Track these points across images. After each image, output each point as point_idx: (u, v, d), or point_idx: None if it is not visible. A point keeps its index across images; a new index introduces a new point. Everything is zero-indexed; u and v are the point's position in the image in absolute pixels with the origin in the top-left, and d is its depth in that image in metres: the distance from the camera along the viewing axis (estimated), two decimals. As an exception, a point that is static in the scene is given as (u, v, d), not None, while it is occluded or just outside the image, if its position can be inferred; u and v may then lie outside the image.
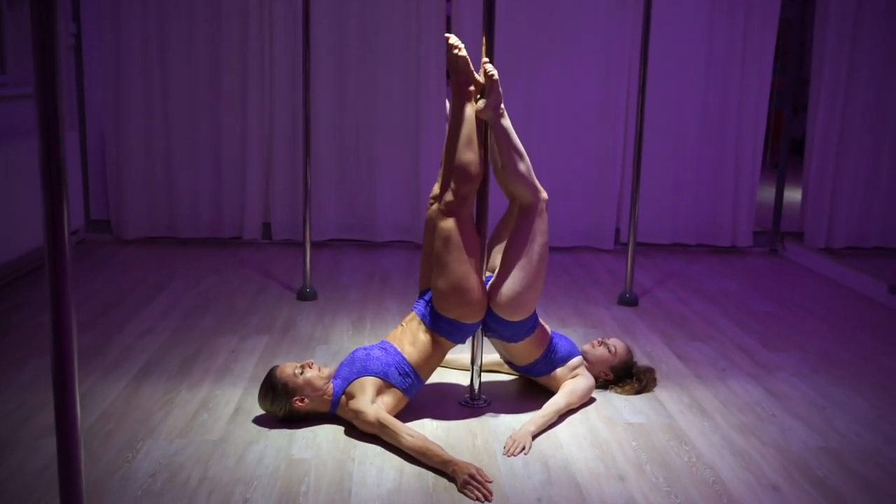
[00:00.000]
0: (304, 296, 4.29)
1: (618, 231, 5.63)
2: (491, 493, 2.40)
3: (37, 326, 3.74)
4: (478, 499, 2.38)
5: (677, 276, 5.02)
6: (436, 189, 2.98)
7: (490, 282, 2.94)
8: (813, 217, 5.66)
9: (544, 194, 2.95)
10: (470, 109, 2.86)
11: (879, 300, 4.56)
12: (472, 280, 2.84)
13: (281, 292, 4.42)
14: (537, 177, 2.98)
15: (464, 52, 2.87)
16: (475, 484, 2.41)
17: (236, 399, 3.04)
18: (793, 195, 6.23)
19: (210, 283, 4.53)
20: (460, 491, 2.42)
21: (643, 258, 5.32)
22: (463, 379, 3.28)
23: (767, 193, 6.25)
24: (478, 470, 2.46)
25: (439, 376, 3.29)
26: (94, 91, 5.31)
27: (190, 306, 4.11)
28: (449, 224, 2.82)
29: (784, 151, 5.82)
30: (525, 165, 2.92)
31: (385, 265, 5.06)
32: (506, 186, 2.98)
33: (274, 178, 5.44)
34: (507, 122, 2.91)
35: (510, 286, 2.86)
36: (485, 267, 3.00)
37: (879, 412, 3.09)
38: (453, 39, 2.86)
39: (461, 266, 2.82)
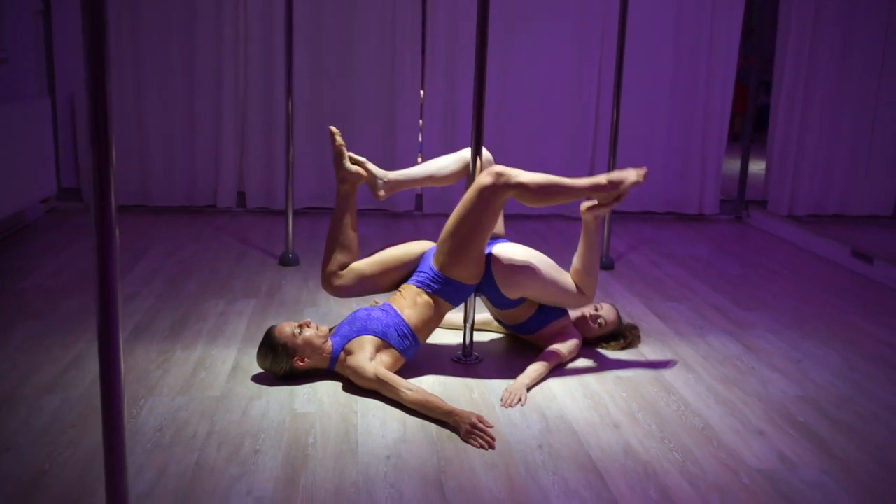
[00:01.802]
0: (287, 261, 4.31)
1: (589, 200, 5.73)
2: (493, 440, 2.49)
3: (19, 292, 3.72)
4: (482, 446, 2.46)
5: (649, 242, 5.15)
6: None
7: (497, 245, 3.01)
8: (776, 186, 5.85)
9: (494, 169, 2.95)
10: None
11: (842, 264, 4.74)
12: (483, 249, 2.93)
13: (262, 258, 4.44)
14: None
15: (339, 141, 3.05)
16: (478, 432, 2.49)
17: (232, 358, 3.07)
18: (756, 167, 6.42)
19: (189, 251, 4.52)
20: (464, 440, 2.50)
21: (616, 226, 5.44)
22: (453, 338, 3.36)
23: (732, 165, 6.42)
24: (479, 418, 2.54)
25: (431, 337, 3.36)
26: (63, 56, 5.23)
27: (172, 272, 4.11)
28: (499, 196, 2.86)
29: (749, 124, 5.98)
30: (433, 172, 3.16)
31: (363, 232, 5.09)
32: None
33: (249, 146, 5.43)
34: (392, 175, 3.15)
35: (523, 266, 2.95)
36: None
37: (850, 364, 3.24)
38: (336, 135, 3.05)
39: (480, 231, 2.90)
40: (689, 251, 4.95)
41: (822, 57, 5.68)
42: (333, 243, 3.09)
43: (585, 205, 3.02)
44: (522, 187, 2.84)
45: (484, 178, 2.86)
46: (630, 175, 2.92)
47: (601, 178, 2.93)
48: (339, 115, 5.44)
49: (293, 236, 4.34)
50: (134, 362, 2.99)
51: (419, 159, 5.66)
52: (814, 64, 5.69)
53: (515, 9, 5.39)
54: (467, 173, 3.10)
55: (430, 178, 3.15)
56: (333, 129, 3.04)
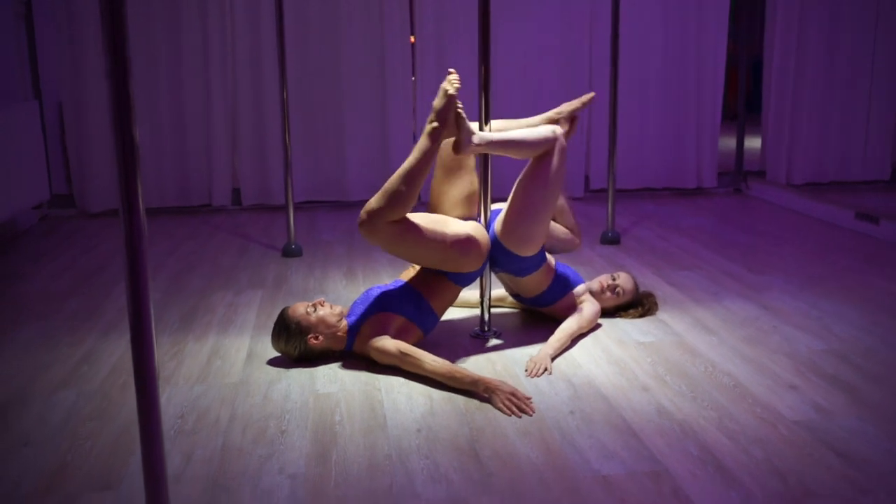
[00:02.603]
0: (290, 252, 4.24)
1: (587, 178, 5.70)
2: (532, 407, 2.43)
3: (19, 296, 3.63)
4: (519, 412, 2.41)
5: (652, 217, 5.11)
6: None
7: (499, 215, 2.96)
8: (773, 156, 5.84)
9: (559, 130, 2.91)
10: (426, 143, 2.72)
11: (847, 226, 4.72)
12: (449, 247, 2.78)
13: (264, 251, 4.37)
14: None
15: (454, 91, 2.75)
16: (517, 402, 2.44)
17: (246, 346, 3.00)
18: (751, 144, 6.40)
19: (189, 248, 4.45)
20: (497, 408, 2.44)
21: (617, 204, 5.38)
22: (469, 315, 3.30)
23: (727, 143, 6.39)
24: (514, 391, 2.48)
25: (446, 314, 3.30)
26: (47, 61, 5.14)
27: (174, 269, 4.03)
28: (385, 234, 2.71)
29: (742, 94, 5.96)
30: (528, 139, 2.85)
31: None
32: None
33: (241, 142, 5.35)
34: (484, 136, 2.79)
35: (523, 221, 2.87)
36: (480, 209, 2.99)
37: (873, 319, 3.21)
38: (454, 78, 2.77)
39: (429, 249, 2.77)
40: (692, 223, 4.91)
41: (812, 25, 5.67)
42: (399, 191, 2.66)
43: (456, 151, 2.83)
44: (381, 211, 2.67)
45: (362, 234, 2.73)
46: (439, 99, 2.73)
47: (427, 127, 2.73)
48: (331, 107, 5.38)
49: (294, 228, 4.27)
50: (146, 355, 2.91)
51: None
52: (805, 31, 5.68)
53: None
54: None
55: (514, 150, 2.89)
56: (452, 70, 2.80)
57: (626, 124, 5.54)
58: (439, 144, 2.76)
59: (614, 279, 3.23)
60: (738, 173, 5.91)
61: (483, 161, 2.94)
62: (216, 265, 4.10)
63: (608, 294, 3.20)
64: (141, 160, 5.17)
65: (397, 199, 2.66)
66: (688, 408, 2.45)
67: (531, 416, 2.41)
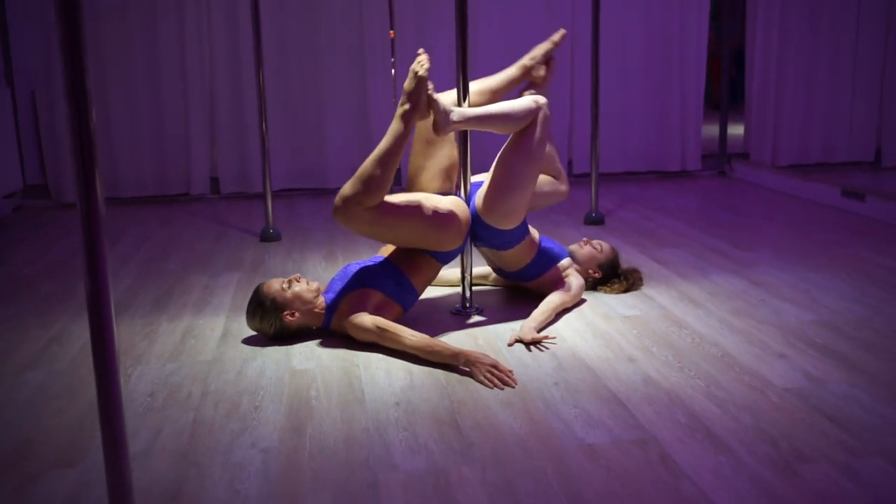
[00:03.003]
0: (268, 237, 4.15)
1: (570, 162, 5.64)
2: (514, 379, 2.36)
3: (-10, 281, 3.54)
4: (502, 385, 2.33)
5: (636, 199, 5.05)
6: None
7: (480, 189, 2.88)
8: (757, 138, 5.79)
9: (541, 100, 2.84)
10: (398, 126, 2.65)
11: (833, 205, 4.67)
12: (428, 226, 2.71)
13: (241, 237, 4.28)
14: None
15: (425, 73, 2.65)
16: (498, 374, 2.36)
17: (221, 325, 2.92)
18: (734, 131, 6.35)
19: (164, 235, 4.35)
20: (479, 380, 2.37)
21: (601, 188, 5.31)
22: (450, 293, 3.22)
23: (709, 131, 6.32)
24: (495, 363, 2.40)
25: (425, 293, 3.23)
26: (19, 49, 5.02)
27: (149, 254, 3.94)
28: (361, 220, 2.64)
29: (726, 82, 5.91)
30: (509, 111, 2.77)
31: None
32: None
33: (219, 130, 5.26)
34: (463, 113, 2.70)
35: (504, 195, 2.79)
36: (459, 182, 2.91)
37: (862, 290, 3.15)
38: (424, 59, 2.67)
39: (407, 230, 2.71)
40: (677, 204, 4.85)
41: (794, 7, 5.63)
42: (382, 175, 2.60)
43: (436, 132, 2.74)
44: (356, 196, 2.61)
45: (337, 220, 2.68)
46: (409, 81, 2.65)
47: (399, 110, 2.66)
48: (311, 92, 5.29)
49: (273, 214, 4.18)
50: (118, 335, 2.81)
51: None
52: (787, 14, 5.63)
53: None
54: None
55: (494, 125, 2.81)
56: (422, 51, 2.69)
57: (608, 108, 5.48)
58: (412, 127, 2.68)
59: (588, 241, 3.18)
60: (721, 156, 5.86)
61: (462, 133, 2.86)
62: (192, 250, 4.01)
63: (587, 249, 3.13)
64: (118, 150, 5.03)
65: (372, 184, 2.59)
66: (675, 377, 2.39)
67: (514, 387, 2.34)
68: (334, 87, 5.30)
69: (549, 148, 3.05)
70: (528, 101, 2.81)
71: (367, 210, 2.62)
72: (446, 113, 2.67)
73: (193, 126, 5.20)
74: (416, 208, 2.70)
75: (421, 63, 2.66)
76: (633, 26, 5.51)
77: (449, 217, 2.75)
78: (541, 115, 2.81)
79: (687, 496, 1.77)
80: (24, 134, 5.10)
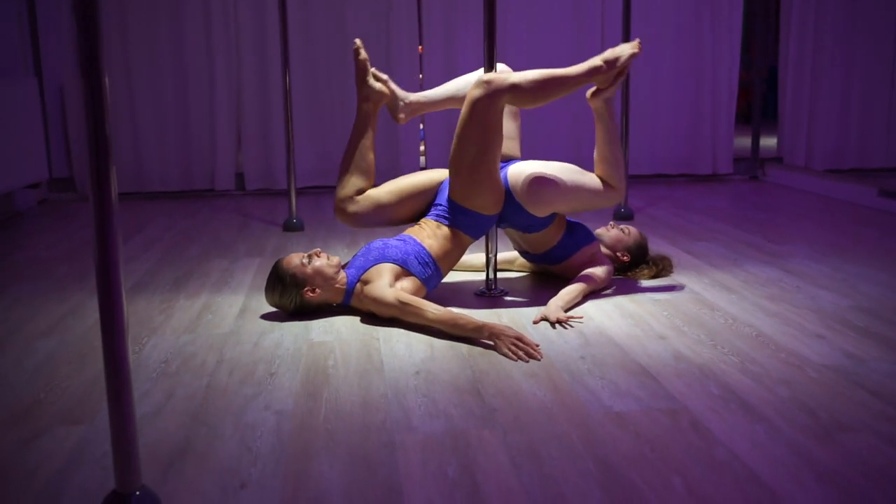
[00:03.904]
0: (291, 226, 4.10)
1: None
2: (539, 353, 2.27)
3: (10, 264, 3.50)
4: (527, 357, 2.25)
5: (666, 198, 4.95)
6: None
7: (515, 167, 2.80)
8: (790, 145, 5.68)
9: (487, 76, 2.79)
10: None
11: (869, 205, 4.55)
12: (496, 172, 2.72)
13: (265, 227, 4.23)
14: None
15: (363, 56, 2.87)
16: (523, 346, 2.28)
17: (240, 302, 2.86)
18: (766, 142, 6.24)
19: (188, 225, 4.32)
20: (503, 353, 2.28)
21: (630, 189, 5.24)
22: (474, 278, 3.15)
23: (742, 142, 6.20)
24: (520, 336, 2.32)
25: (450, 277, 3.15)
26: (49, 43, 5.05)
27: (171, 241, 3.90)
28: (494, 108, 2.65)
29: (758, 96, 5.81)
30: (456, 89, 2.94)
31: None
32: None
33: (245, 127, 5.24)
34: (415, 97, 2.96)
35: (555, 189, 2.74)
36: None
37: (902, 279, 3.03)
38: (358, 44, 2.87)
39: (488, 154, 2.69)
40: (708, 203, 4.75)
41: (829, 15, 5.53)
42: (350, 165, 2.87)
43: (590, 92, 2.84)
44: (516, 89, 2.63)
45: (474, 92, 2.64)
46: (625, 49, 2.73)
47: (596, 60, 2.73)
48: (336, 90, 5.26)
49: (296, 206, 4.13)
50: (135, 310, 2.77)
51: (421, 126, 5.47)
52: (821, 28, 5.54)
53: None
54: None
55: (451, 100, 2.95)
56: (358, 41, 2.83)
57: (638, 110, 5.40)
58: (366, 113, 2.87)
59: (614, 224, 3.12)
60: (754, 160, 5.74)
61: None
62: (215, 238, 3.97)
63: (615, 231, 3.05)
64: (144, 146, 5.01)
65: (531, 89, 2.65)
66: (707, 354, 2.28)
67: (539, 360, 2.25)
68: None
69: (609, 150, 2.88)
70: (471, 76, 2.95)
71: (500, 107, 2.65)
72: (397, 99, 2.92)
73: (219, 123, 5.18)
74: (500, 150, 2.73)
75: (635, 45, 2.75)
76: (664, 30, 5.42)
77: (500, 183, 2.77)
78: (620, 193, 2.91)
79: (721, 461, 1.67)
80: (52, 129, 5.11)
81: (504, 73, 2.66)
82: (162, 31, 5.09)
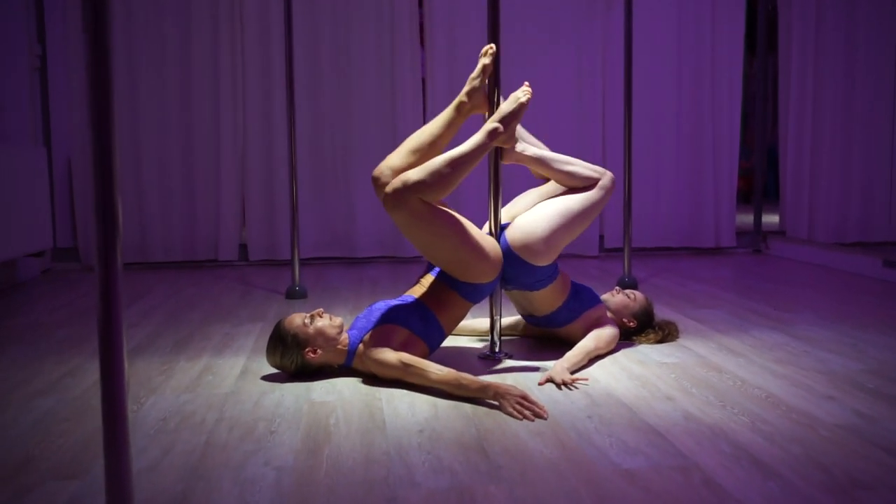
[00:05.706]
0: (294, 294, 4.08)
1: (601, 238, 5.56)
2: (545, 411, 2.23)
3: (10, 327, 3.48)
4: (533, 416, 2.20)
5: (669, 269, 4.94)
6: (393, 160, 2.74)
7: (511, 227, 2.80)
8: (793, 220, 5.70)
9: (608, 175, 2.90)
10: (483, 139, 2.67)
11: (874, 276, 4.53)
12: (465, 248, 2.62)
13: (268, 295, 4.21)
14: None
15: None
16: (528, 405, 2.23)
17: (241, 364, 2.82)
18: (769, 219, 6.26)
19: (190, 292, 4.30)
20: (507, 412, 2.24)
21: (633, 260, 5.23)
22: (478, 343, 3.12)
23: (744, 219, 6.20)
24: (525, 395, 2.28)
25: (452, 341, 3.12)
26: (59, 115, 5.13)
27: (173, 307, 3.88)
28: (410, 210, 2.54)
29: (759, 162, 5.87)
30: (572, 168, 2.88)
31: (372, 275, 4.89)
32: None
33: (249, 198, 5.27)
34: (530, 149, 2.89)
35: (541, 226, 2.73)
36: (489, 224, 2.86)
37: (911, 344, 3.00)
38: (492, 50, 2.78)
39: (446, 241, 2.61)
40: (712, 274, 4.73)
41: (827, 89, 5.63)
42: (442, 172, 2.55)
43: (503, 158, 2.85)
44: (422, 185, 2.51)
45: (387, 207, 2.57)
46: (515, 100, 2.70)
47: (491, 124, 2.68)
48: (341, 161, 5.31)
49: (299, 274, 4.12)
50: (134, 371, 2.73)
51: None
52: (820, 105, 5.63)
53: (512, 40, 5.32)
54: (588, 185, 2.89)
55: (543, 166, 2.91)
56: (493, 47, 2.77)
57: (640, 183, 5.44)
58: (492, 145, 2.71)
59: (620, 289, 3.09)
60: (757, 234, 5.75)
61: (493, 164, 2.81)
62: (216, 303, 3.94)
63: (620, 297, 3.03)
64: (145, 214, 5.03)
65: (437, 179, 2.53)
66: (717, 414, 2.24)
67: (545, 419, 2.20)
68: (365, 155, 5.29)
69: (563, 177, 2.90)
70: (594, 167, 2.92)
71: (421, 203, 2.54)
72: (516, 142, 2.83)
73: (224, 192, 5.22)
74: (462, 225, 2.64)
75: (525, 92, 2.72)
76: (664, 100, 5.51)
77: (488, 248, 2.68)
78: (606, 179, 2.88)
79: (735, 517, 1.61)
80: (58, 199, 5.15)
81: (405, 174, 2.55)
82: (168, 102, 5.17)
